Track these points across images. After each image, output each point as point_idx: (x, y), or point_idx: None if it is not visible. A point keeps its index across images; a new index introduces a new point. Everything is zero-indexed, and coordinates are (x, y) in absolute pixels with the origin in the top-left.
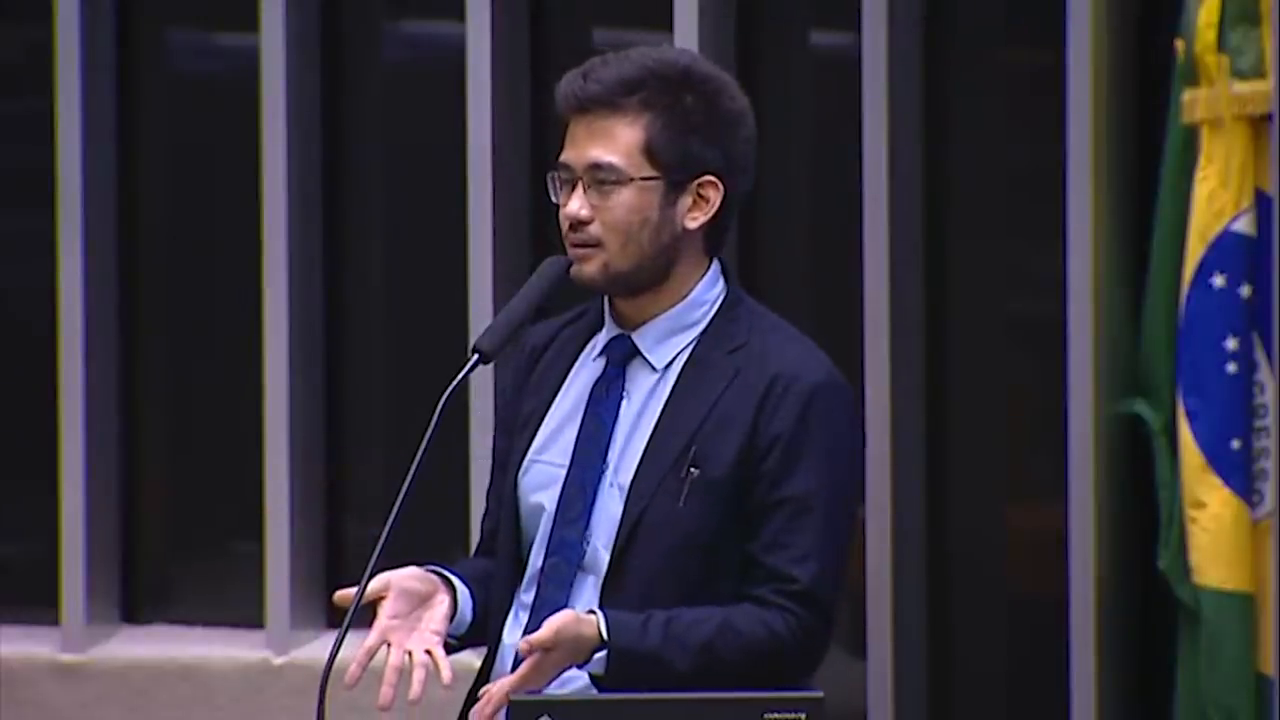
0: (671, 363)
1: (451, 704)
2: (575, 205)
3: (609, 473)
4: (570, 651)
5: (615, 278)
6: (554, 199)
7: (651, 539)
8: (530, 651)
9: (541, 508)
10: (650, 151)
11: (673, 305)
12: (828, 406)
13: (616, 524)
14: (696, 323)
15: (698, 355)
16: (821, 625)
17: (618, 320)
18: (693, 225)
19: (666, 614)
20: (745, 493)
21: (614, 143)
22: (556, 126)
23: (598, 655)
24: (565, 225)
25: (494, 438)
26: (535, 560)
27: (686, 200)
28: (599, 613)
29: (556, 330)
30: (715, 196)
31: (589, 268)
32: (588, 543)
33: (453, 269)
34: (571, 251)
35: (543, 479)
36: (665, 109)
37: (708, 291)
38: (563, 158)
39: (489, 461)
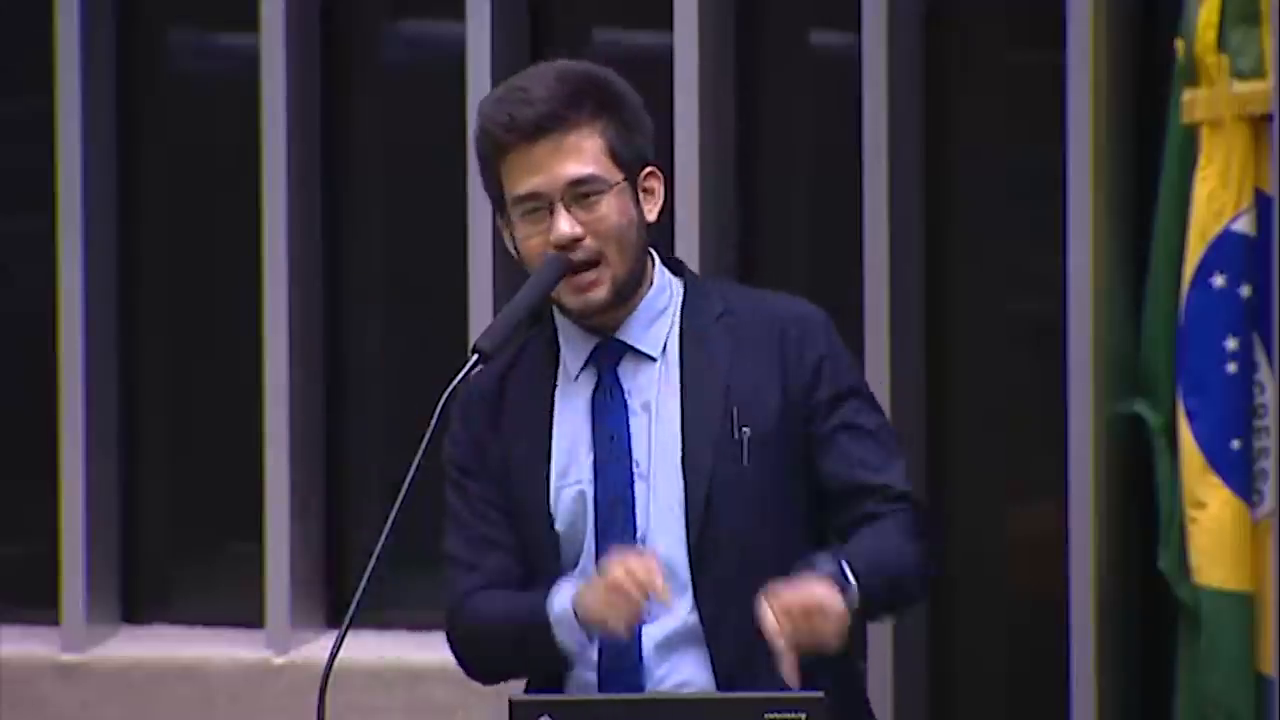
0: (665, 347)
1: (454, 705)
2: (565, 226)
3: (640, 470)
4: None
5: (620, 289)
6: (510, 247)
7: (725, 506)
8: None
9: (579, 530)
10: (613, 155)
11: (642, 297)
12: (829, 331)
13: (682, 512)
14: (669, 305)
15: (688, 331)
16: (923, 516)
17: (592, 331)
18: (652, 217)
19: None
20: (797, 438)
21: (584, 155)
22: None
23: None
24: (554, 249)
25: (460, 484)
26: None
27: (642, 196)
28: (822, 561)
29: (502, 373)
30: (658, 186)
31: (600, 293)
32: (644, 545)
33: (453, 269)
34: (578, 278)
35: (574, 502)
36: (609, 113)
37: (663, 276)
38: (529, 188)
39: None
